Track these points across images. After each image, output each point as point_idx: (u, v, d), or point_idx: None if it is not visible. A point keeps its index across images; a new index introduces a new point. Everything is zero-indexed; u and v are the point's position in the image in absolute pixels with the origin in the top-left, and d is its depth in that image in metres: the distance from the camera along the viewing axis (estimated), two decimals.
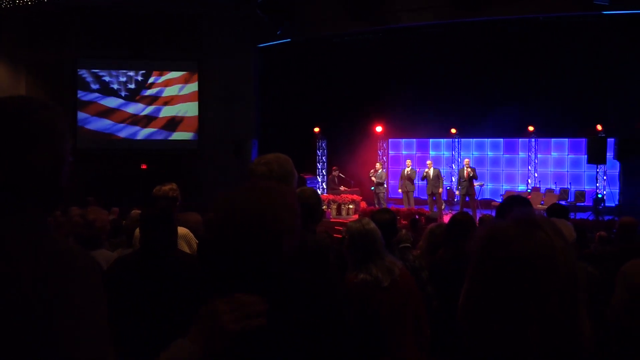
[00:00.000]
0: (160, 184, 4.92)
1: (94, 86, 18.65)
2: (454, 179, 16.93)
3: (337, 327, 1.76)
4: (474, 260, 1.43)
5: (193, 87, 18.90)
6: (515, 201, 3.94)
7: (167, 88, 18.90)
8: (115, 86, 18.76)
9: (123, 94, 18.78)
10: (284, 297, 1.61)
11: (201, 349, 1.48)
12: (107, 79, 18.70)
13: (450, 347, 4.02)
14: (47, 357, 1.27)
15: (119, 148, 18.57)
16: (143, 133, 18.80)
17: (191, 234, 4.57)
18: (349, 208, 17.25)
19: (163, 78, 18.89)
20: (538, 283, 1.31)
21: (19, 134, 1.42)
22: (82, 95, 18.57)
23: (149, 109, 18.84)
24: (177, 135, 18.87)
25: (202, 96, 18.81)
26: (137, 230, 3.80)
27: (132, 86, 18.81)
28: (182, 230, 4.50)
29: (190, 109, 18.91)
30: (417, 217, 13.68)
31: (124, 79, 18.77)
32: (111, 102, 18.76)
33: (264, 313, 1.50)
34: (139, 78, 18.81)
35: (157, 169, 17.68)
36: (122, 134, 18.77)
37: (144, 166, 18.44)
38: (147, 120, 18.84)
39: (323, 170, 20.02)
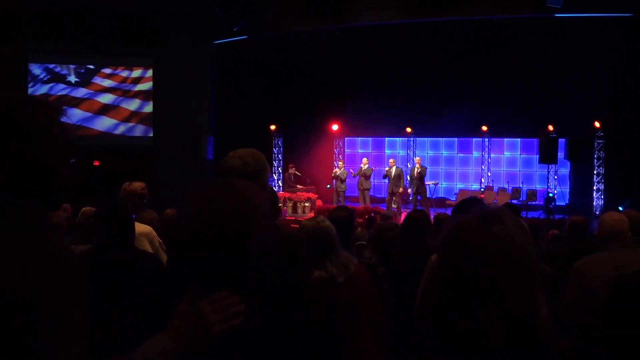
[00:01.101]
0: (126, 180, 4.93)
1: (45, 80, 18.23)
2: (408, 178, 17.09)
3: (307, 320, 1.76)
4: (438, 259, 1.44)
5: (148, 82, 18.65)
6: (470, 202, 3.98)
7: (121, 83, 18.59)
8: (68, 80, 18.37)
9: (76, 88, 18.40)
10: (254, 294, 1.60)
11: (181, 347, 1.48)
12: (60, 72, 18.31)
13: (407, 343, 4.06)
14: (27, 351, 1.26)
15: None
16: (98, 126, 18.44)
17: (154, 232, 4.55)
18: (304, 206, 17.25)
19: (118, 72, 18.57)
20: (497, 276, 1.33)
21: (5, 129, 1.40)
22: (33, 90, 18.13)
23: (103, 103, 18.48)
24: (130, 129, 18.57)
25: (157, 92, 18.57)
26: None
27: (85, 81, 18.44)
28: (145, 228, 4.48)
29: (145, 105, 18.66)
30: (372, 215, 13.75)
31: (77, 74, 18.40)
32: (63, 97, 18.36)
33: (242, 313, 1.51)
34: (93, 73, 18.46)
35: (111, 165, 17.40)
36: (75, 130, 18.40)
37: (96, 163, 18.13)
38: (101, 114, 18.48)
39: (279, 168, 19.99)
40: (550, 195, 17.13)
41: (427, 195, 17.27)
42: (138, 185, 4.88)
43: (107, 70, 18.52)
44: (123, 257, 3.32)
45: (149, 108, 18.66)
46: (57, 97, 18.11)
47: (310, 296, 2.80)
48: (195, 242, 1.57)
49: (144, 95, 18.65)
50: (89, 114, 18.40)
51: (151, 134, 18.62)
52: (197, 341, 1.48)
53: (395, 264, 4.53)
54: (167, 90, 18.24)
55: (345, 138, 20.84)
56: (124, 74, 18.60)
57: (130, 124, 18.62)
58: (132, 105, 18.68)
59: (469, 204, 3.82)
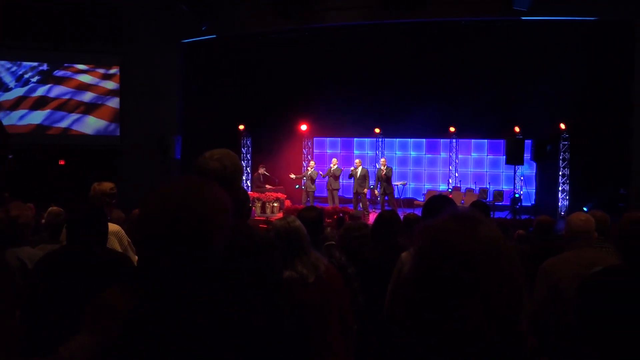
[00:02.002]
0: (93, 181, 4.89)
1: (7, 79, 17.88)
2: (375, 178, 17.17)
3: (278, 320, 1.75)
4: (414, 261, 1.44)
5: (115, 81, 18.43)
6: (441, 200, 4.01)
7: (87, 81, 18.33)
8: (30, 78, 18.05)
9: (39, 86, 18.09)
10: (220, 292, 1.60)
11: (98, 339, 1.50)
12: (22, 70, 17.99)
13: (377, 342, 4.07)
14: None
15: (36, 143, 17.89)
16: (63, 125, 18.15)
17: (123, 232, 4.52)
18: (273, 206, 17.22)
19: (83, 70, 18.31)
20: (483, 277, 1.33)
21: None
22: None
23: (68, 101, 18.20)
24: (97, 127, 18.33)
25: (123, 91, 18.35)
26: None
27: (49, 79, 18.14)
28: (114, 227, 4.47)
29: (111, 104, 18.43)
30: (341, 215, 13.78)
31: (40, 72, 18.09)
32: (26, 94, 18.03)
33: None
34: (58, 71, 18.17)
35: (77, 164, 17.17)
36: (39, 129, 18.07)
37: (62, 162, 17.87)
38: (67, 112, 18.19)
39: (248, 168, 19.91)
40: (517, 195, 17.33)
41: (395, 196, 17.37)
42: (107, 185, 4.85)
43: (72, 68, 18.23)
44: (95, 257, 3.29)
45: (115, 107, 18.44)
46: (19, 97, 17.80)
47: (281, 296, 2.80)
48: (156, 241, 1.55)
49: (110, 94, 18.41)
50: (54, 113, 18.10)
51: (118, 133, 18.40)
52: (111, 331, 1.49)
53: (367, 263, 4.54)
54: (134, 89, 18.05)
55: (314, 138, 20.85)
56: (90, 71, 18.33)
57: (97, 123, 18.37)
58: (98, 103, 18.42)
59: (441, 203, 3.85)
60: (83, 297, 3.03)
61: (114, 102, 18.44)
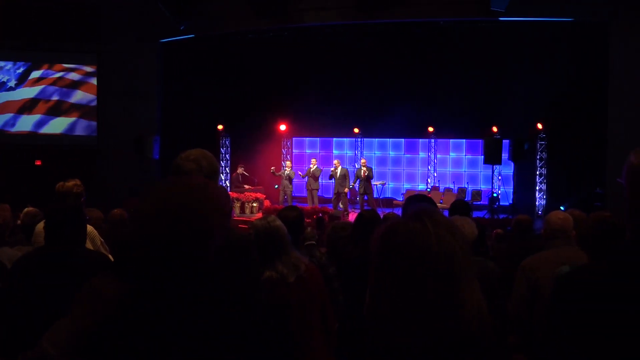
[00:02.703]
0: (62, 180, 4.75)
1: None
2: (354, 182, 17.19)
3: (258, 320, 1.75)
4: (372, 259, 1.50)
5: (92, 80, 18.27)
6: (417, 199, 4.03)
7: (64, 81, 18.16)
8: (7, 78, 17.85)
9: (15, 85, 17.89)
10: (207, 291, 1.59)
11: (81, 325, 1.51)
12: None
13: (357, 341, 4.07)
14: None
15: (12, 143, 17.69)
16: (40, 125, 17.96)
17: (95, 232, 4.46)
18: (252, 206, 17.19)
19: (60, 70, 18.14)
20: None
21: None
22: None
23: (44, 101, 18.02)
24: (74, 128, 18.15)
25: (101, 91, 18.21)
26: (39, 226, 3.67)
27: (25, 79, 17.95)
28: (87, 228, 4.38)
29: (89, 104, 18.27)
30: (320, 215, 13.78)
31: (15, 72, 17.89)
32: (2, 95, 17.84)
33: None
34: (34, 70, 17.98)
35: (54, 165, 16.99)
36: (14, 129, 17.88)
37: (38, 162, 17.69)
38: (43, 113, 18.01)
39: (227, 168, 19.85)
40: (495, 195, 17.45)
41: (374, 196, 17.41)
42: (71, 183, 4.69)
43: (49, 67, 18.05)
44: (75, 257, 3.26)
45: (93, 107, 18.28)
46: None
47: (262, 296, 2.79)
48: (153, 242, 1.54)
49: (88, 94, 18.25)
50: (30, 113, 17.91)
51: (95, 133, 18.25)
52: (95, 317, 1.49)
53: (348, 263, 4.55)
54: (112, 89, 17.93)
55: (293, 138, 20.86)
56: (68, 71, 18.16)
57: (74, 123, 18.21)
58: (76, 103, 18.26)
59: (418, 201, 3.86)
60: (63, 297, 3.02)
61: (91, 102, 18.29)
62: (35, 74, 18.01)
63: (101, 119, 18.17)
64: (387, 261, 1.43)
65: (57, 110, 18.12)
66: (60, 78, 18.17)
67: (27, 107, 17.95)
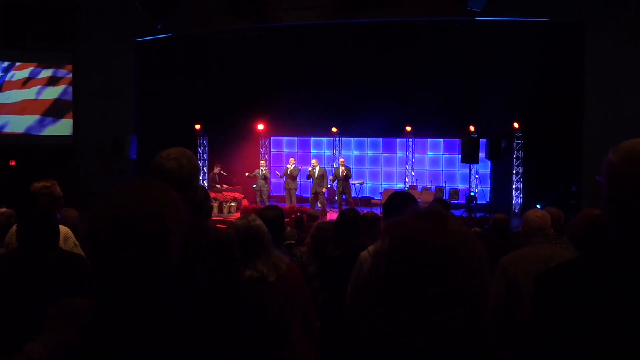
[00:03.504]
0: (37, 181, 4.68)
1: None
2: (331, 178, 17.20)
3: (238, 320, 1.73)
4: (380, 259, 1.44)
5: (67, 80, 18.08)
6: (403, 197, 4.03)
7: (39, 80, 17.94)
8: None
9: None
10: (176, 294, 1.58)
11: (59, 340, 1.50)
12: None
13: (338, 340, 4.07)
14: None
15: None
16: (14, 125, 17.73)
17: (70, 232, 4.40)
18: (230, 206, 17.14)
19: (35, 69, 17.91)
20: (456, 273, 1.33)
21: None
22: None
23: (19, 101, 17.79)
24: (49, 127, 17.94)
25: (77, 90, 18.02)
26: (14, 227, 3.63)
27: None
28: (62, 229, 4.33)
29: (65, 103, 18.07)
30: (299, 214, 13.78)
31: None
32: None
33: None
34: (8, 69, 17.74)
35: (28, 165, 16.77)
36: None
37: (12, 162, 17.46)
38: (17, 113, 17.77)
39: (204, 168, 19.76)
40: (472, 194, 17.54)
41: (352, 195, 17.45)
42: (39, 185, 4.63)
43: (24, 67, 17.82)
44: (48, 258, 3.23)
45: (69, 106, 18.09)
46: None
47: (242, 296, 2.78)
48: (110, 247, 1.53)
49: (63, 93, 18.06)
50: (4, 114, 17.68)
51: (71, 133, 18.06)
52: (72, 331, 1.49)
53: (329, 262, 4.55)
54: (88, 88, 17.76)
55: (271, 137, 20.82)
56: (42, 70, 17.95)
57: (49, 123, 18.00)
58: (51, 103, 18.05)
59: (403, 199, 3.87)
60: (38, 298, 2.99)
61: (67, 102, 18.10)
62: (10, 74, 17.77)
63: (77, 119, 17.98)
64: (408, 264, 1.36)
65: (31, 109, 17.89)
66: (35, 78, 17.94)
67: (1, 107, 17.71)
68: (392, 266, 1.39)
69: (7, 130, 17.70)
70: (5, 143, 17.51)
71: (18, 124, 17.77)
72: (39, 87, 17.92)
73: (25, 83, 17.83)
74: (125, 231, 1.52)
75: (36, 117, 17.86)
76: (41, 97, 17.95)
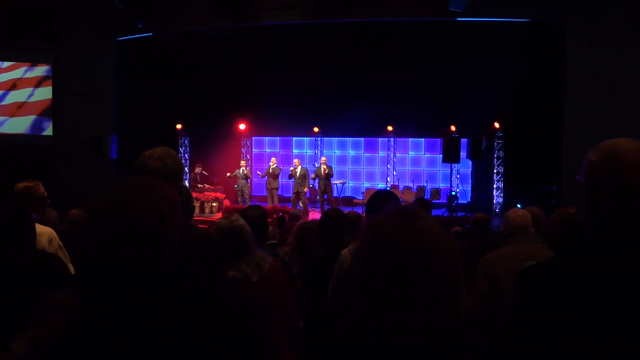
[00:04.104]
0: (20, 181, 4.63)
1: None
2: (312, 177, 17.19)
3: (221, 321, 1.73)
4: (357, 256, 1.46)
5: (47, 79, 17.90)
6: (384, 196, 4.05)
7: (18, 80, 17.75)
8: None
9: None
10: (168, 293, 1.58)
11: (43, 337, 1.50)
12: None
13: (321, 340, 4.07)
14: None
15: None
16: None
17: (55, 234, 4.37)
18: (212, 206, 17.09)
19: (14, 68, 17.73)
20: (425, 271, 1.36)
21: None
22: None
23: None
24: (29, 127, 17.76)
25: (57, 89, 17.85)
26: None
27: None
28: (45, 229, 4.31)
29: (44, 102, 17.89)
30: (281, 214, 13.77)
31: None
32: None
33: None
34: None
35: (7, 165, 16.59)
36: None
37: None
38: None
39: (185, 168, 19.67)
40: (453, 193, 17.63)
41: (334, 194, 17.47)
42: (21, 185, 4.60)
43: (3, 65, 17.64)
44: (24, 258, 3.20)
45: (48, 105, 17.92)
46: None
47: (226, 296, 2.77)
48: (109, 243, 1.52)
49: (43, 93, 17.89)
50: None
51: (51, 132, 17.89)
52: (56, 328, 1.48)
53: (313, 262, 4.55)
54: (68, 87, 17.59)
55: (253, 137, 20.79)
56: (22, 69, 17.77)
57: (29, 122, 17.82)
58: (30, 102, 17.87)
59: (384, 198, 3.88)
60: (14, 298, 2.96)
61: (46, 101, 17.93)
62: None
63: (57, 118, 17.82)
64: (380, 260, 1.41)
65: (11, 109, 17.71)
66: (14, 76, 17.75)
67: None
68: (367, 263, 1.42)
69: None
70: None
71: None
72: (18, 86, 17.73)
73: (4, 82, 17.63)
74: (125, 230, 1.51)
75: (11, 116, 17.68)
76: (19, 97, 17.76)
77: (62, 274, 3.27)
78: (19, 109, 17.75)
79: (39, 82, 17.88)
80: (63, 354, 1.48)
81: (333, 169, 17.17)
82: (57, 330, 1.50)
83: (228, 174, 17.72)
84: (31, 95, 17.84)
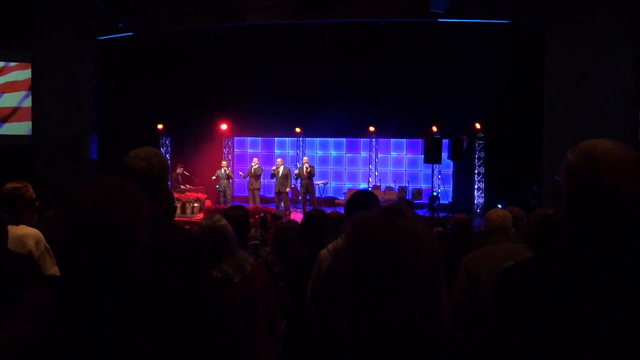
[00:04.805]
0: (9, 182, 4.58)
1: None
2: (295, 177, 17.20)
3: (205, 321, 1.73)
4: (341, 255, 1.47)
5: (26, 78, 17.72)
6: (364, 195, 4.05)
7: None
8: None
9: None
10: (144, 293, 1.57)
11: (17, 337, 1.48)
12: None
13: (303, 340, 4.07)
14: None
15: None
16: None
17: (41, 236, 4.33)
18: (193, 206, 17.02)
19: None
20: (405, 269, 1.37)
21: None
22: None
23: None
24: (9, 128, 17.59)
25: (36, 89, 17.66)
26: None
27: None
28: (32, 230, 4.32)
29: (22, 102, 17.73)
30: (263, 214, 13.75)
31: None
32: None
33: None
34: None
35: None
36: None
37: None
38: None
39: None
40: (435, 194, 17.69)
41: (316, 195, 17.47)
42: (9, 186, 4.54)
43: None
44: None
45: (27, 105, 17.75)
46: None
47: (212, 295, 2.77)
48: (80, 246, 1.51)
49: (22, 92, 17.71)
50: None
51: (30, 132, 17.72)
52: (31, 329, 1.48)
53: (295, 263, 4.55)
54: (47, 87, 17.41)
55: (235, 138, 20.76)
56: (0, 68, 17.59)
57: (7, 122, 17.65)
58: (8, 101, 17.70)
59: (364, 197, 3.89)
60: None
61: (25, 101, 17.76)
62: None
63: (36, 118, 17.64)
64: (365, 258, 1.41)
65: None
66: None
67: None
68: (348, 262, 1.43)
69: None
70: None
71: None
72: None
73: None
74: (92, 229, 1.50)
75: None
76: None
77: (34, 274, 3.24)
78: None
79: (15, 82, 17.69)
80: (36, 354, 1.47)
81: (315, 169, 17.18)
82: (30, 330, 1.48)
83: (213, 178, 17.66)
84: (8, 95, 17.66)
